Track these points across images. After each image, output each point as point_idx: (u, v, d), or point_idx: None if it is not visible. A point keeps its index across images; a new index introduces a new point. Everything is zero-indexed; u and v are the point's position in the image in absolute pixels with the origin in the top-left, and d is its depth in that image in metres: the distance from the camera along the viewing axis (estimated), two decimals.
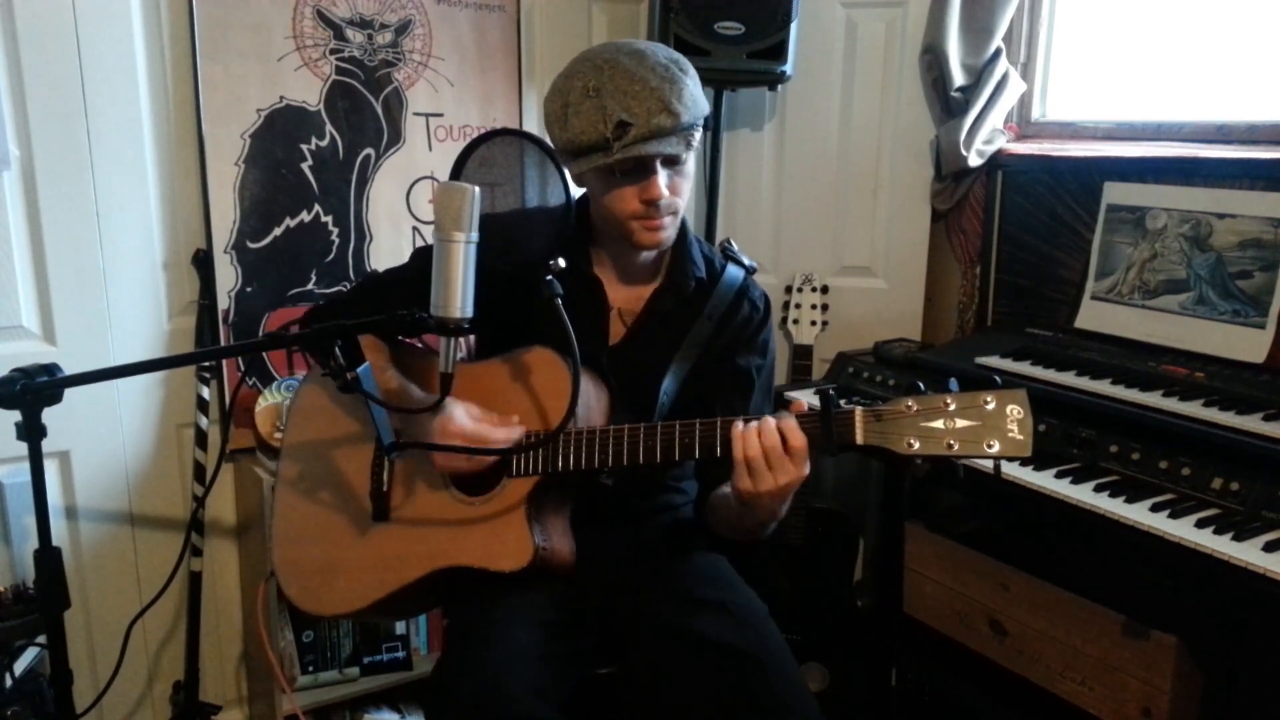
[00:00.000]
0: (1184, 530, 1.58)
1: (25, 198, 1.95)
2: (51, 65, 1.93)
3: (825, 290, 2.59)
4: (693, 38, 2.38)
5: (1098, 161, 2.22)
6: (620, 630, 1.52)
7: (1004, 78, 2.39)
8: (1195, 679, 1.87)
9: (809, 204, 2.72)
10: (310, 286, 2.28)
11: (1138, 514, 1.65)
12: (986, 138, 2.41)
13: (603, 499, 1.53)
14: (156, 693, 2.28)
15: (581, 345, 1.34)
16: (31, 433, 1.39)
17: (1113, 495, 1.71)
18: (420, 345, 1.71)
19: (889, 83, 2.59)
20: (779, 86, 2.56)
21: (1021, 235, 2.39)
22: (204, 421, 2.18)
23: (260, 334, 2.21)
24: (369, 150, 2.31)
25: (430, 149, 2.39)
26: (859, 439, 1.28)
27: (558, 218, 1.40)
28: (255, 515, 2.17)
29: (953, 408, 1.25)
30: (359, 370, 1.30)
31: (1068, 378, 1.97)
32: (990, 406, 1.24)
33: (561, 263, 1.36)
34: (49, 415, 1.40)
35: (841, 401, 1.33)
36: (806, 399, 2.22)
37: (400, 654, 2.26)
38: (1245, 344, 1.91)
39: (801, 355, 2.57)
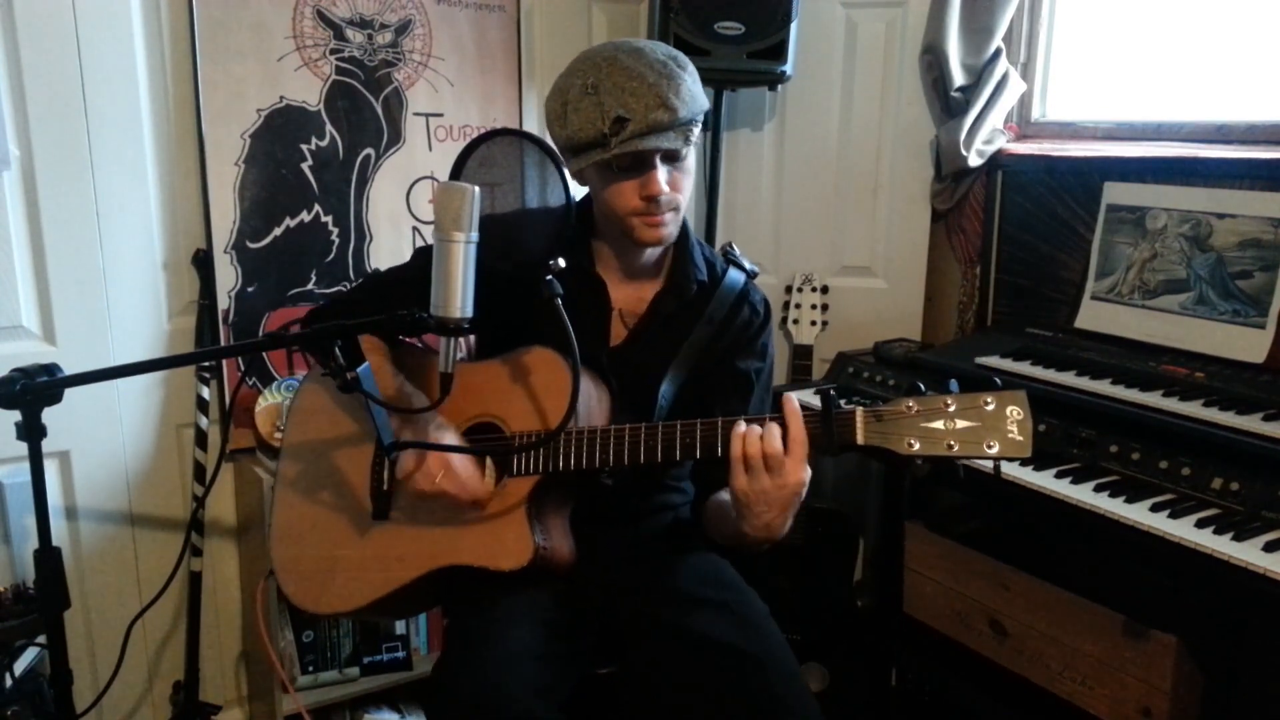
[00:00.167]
0: (1184, 530, 1.58)
1: (25, 198, 1.95)
2: (51, 65, 1.93)
3: (825, 290, 2.59)
4: (693, 38, 2.39)
5: (1098, 161, 2.22)
6: (620, 630, 1.52)
7: (1004, 78, 2.39)
8: (1195, 679, 1.87)
9: (809, 204, 2.72)
10: (310, 286, 2.28)
11: (1138, 514, 1.65)
12: (986, 138, 2.41)
13: (603, 498, 1.53)
14: (156, 693, 2.28)
15: (582, 346, 1.33)
16: (31, 433, 1.39)
17: (1113, 495, 1.71)
18: (420, 345, 1.71)
19: (889, 83, 2.59)
20: (779, 86, 2.56)
21: (1021, 235, 2.39)
22: (204, 421, 2.18)
23: (260, 334, 2.21)
24: (369, 150, 2.31)
25: (430, 149, 2.39)
26: (859, 439, 1.28)
27: (558, 217, 1.40)
28: (255, 515, 2.17)
29: (953, 408, 1.25)
30: (359, 370, 1.30)
31: (1068, 378, 1.97)
32: (990, 407, 1.24)
33: (561, 263, 1.36)
34: (49, 415, 1.40)
35: (842, 402, 1.33)
36: (807, 399, 2.22)
37: (400, 654, 2.26)
38: (1245, 344, 1.91)
39: (801, 355, 2.58)
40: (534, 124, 2.52)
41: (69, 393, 1.44)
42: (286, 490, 1.62)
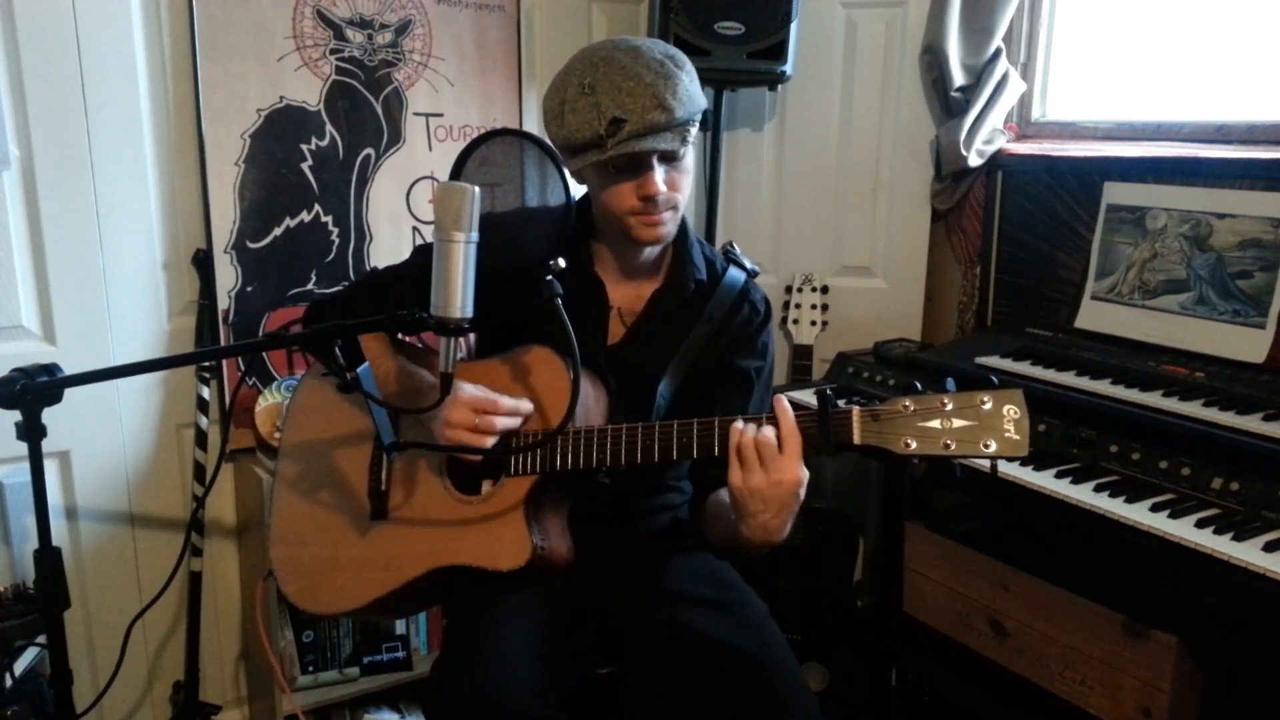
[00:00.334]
0: (1184, 530, 1.58)
1: (25, 198, 1.95)
2: (51, 65, 1.94)
3: (825, 290, 2.59)
4: (693, 37, 2.39)
5: (1098, 161, 2.22)
6: (619, 629, 1.52)
7: (1004, 78, 2.39)
8: (1195, 679, 1.87)
9: (809, 204, 2.72)
10: (310, 286, 2.28)
11: (1138, 514, 1.65)
12: (986, 138, 2.41)
13: (601, 498, 1.53)
14: (156, 693, 2.28)
15: (581, 345, 1.33)
16: (31, 433, 1.39)
17: (1113, 495, 1.71)
18: (420, 345, 1.71)
19: (889, 83, 2.59)
20: (779, 86, 2.56)
21: (1021, 235, 2.39)
22: (204, 421, 2.18)
23: (260, 334, 2.21)
24: (369, 150, 2.31)
25: (430, 149, 2.39)
26: (856, 439, 1.28)
27: (558, 217, 1.40)
28: (255, 515, 2.17)
29: (950, 408, 1.25)
30: (359, 370, 1.30)
31: (1068, 378, 1.97)
32: (987, 406, 1.24)
33: (561, 262, 1.36)
34: (49, 415, 1.41)
35: (840, 401, 1.33)
36: (805, 399, 2.22)
37: (400, 654, 2.26)
38: (1245, 344, 1.91)
39: (801, 355, 2.57)
40: (534, 124, 2.51)
41: (69, 393, 1.44)
42: (285, 490, 1.62)
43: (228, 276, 2.18)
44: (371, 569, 1.51)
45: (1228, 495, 1.66)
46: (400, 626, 2.26)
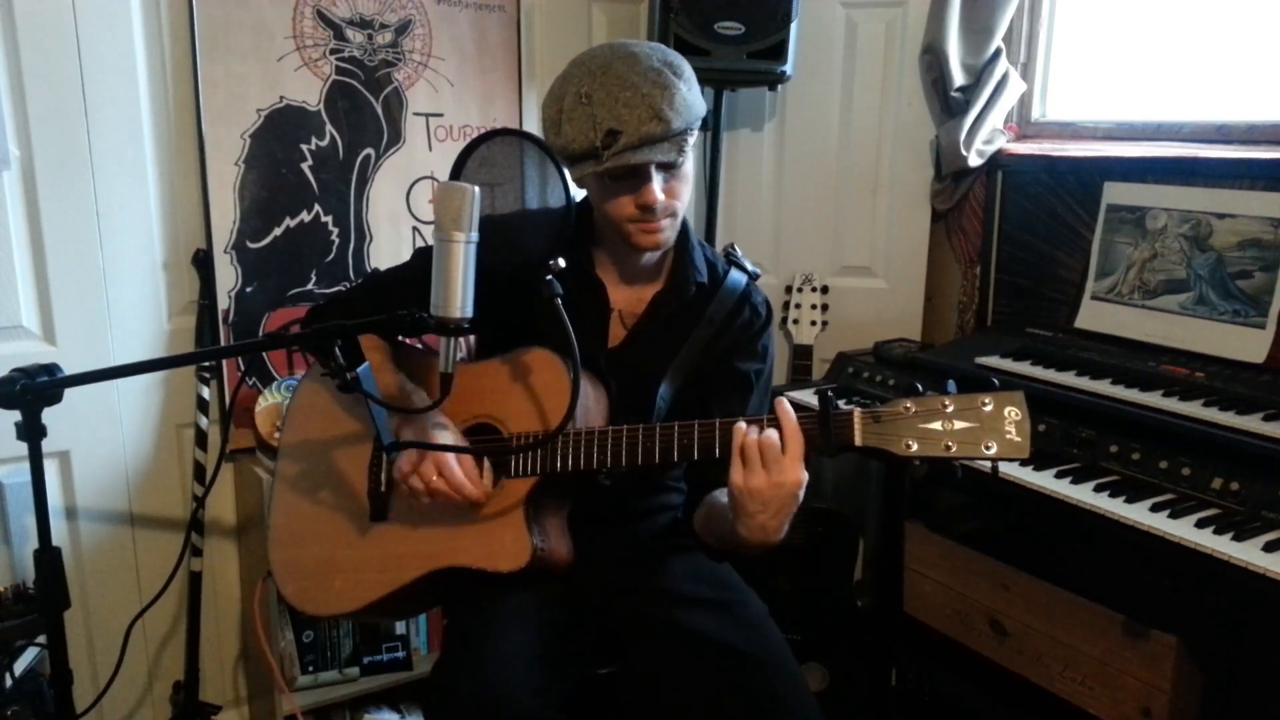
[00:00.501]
0: (1184, 530, 1.58)
1: (25, 198, 1.95)
2: (51, 65, 1.93)
3: (825, 290, 2.59)
4: (693, 38, 2.38)
5: (1098, 161, 2.22)
6: (619, 630, 1.52)
7: (1004, 78, 2.39)
8: (1195, 679, 1.87)
9: (809, 204, 2.72)
10: (310, 286, 2.28)
11: (1138, 514, 1.65)
12: (986, 138, 2.41)
13: (601, 499, 1.53)
14: (156, 693, 2.28)
15: (581, 346, 1.33)
16: (31, 433, 1.39)
17: (1113, 495, 1.71)
18: (420, 345, 1.71)
19: (889, 83, 2.59)
20: (779, 86, 2.56)
21: (1021, 235, 2.39)
22: (204, 421, 2.18)
23: (260, 334, 2.21)
24: (369, 150, 2.31)
25: (430, 149, 2.39)
26: (857, 440, 1.28)
27: (558, 218, 1.39)
28: (255, 515, 2.17)
29: (951, 409, 1.25)
30: (359, 370, 1.30)
31: (1068, 378, 1.97)
32: (988, 408, 1.24)
33: (561, 263, 1.36)
34: (49, 415, 1.41)
35: (841, 402, 1.33)
36: (806, 399, 2.22)
37: (400, 654, 2.26)
38: (1245, 344, 1.91)
39: (801, 355, 2.57)
40: (534, 124, 2.51)
41: (69, 393, 1.44)
42: (285, 491, 1.62)
43: (228, 276, 2.18)
44: (371, 570, 1.51)
45: (1228, 495, 1.66)
46: (400, 627, 2.26)
